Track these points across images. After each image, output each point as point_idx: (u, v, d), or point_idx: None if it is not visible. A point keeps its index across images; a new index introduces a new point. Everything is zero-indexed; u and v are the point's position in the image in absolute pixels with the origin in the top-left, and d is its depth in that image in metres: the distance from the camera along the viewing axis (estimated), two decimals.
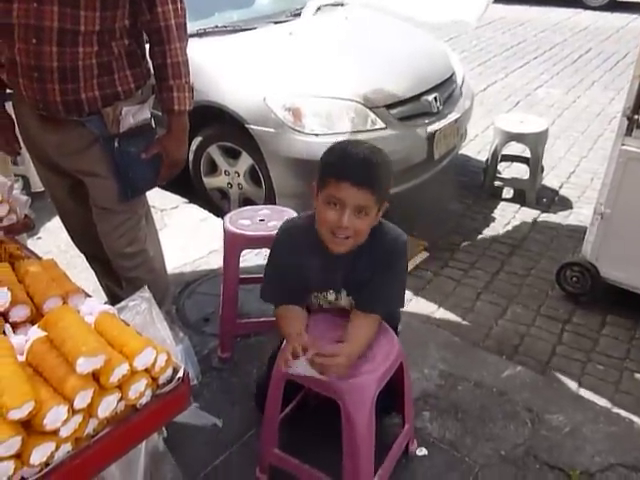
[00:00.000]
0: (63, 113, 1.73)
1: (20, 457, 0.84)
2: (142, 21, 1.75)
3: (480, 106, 4.99)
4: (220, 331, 2.27)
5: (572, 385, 2.30)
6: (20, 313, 1.13)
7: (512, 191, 3.79)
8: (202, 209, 3.30)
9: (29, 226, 1.74)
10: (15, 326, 1.14)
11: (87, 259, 2.22)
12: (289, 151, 2.93)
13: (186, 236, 3.02)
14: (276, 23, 3.58)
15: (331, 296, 1.69)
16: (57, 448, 0.88)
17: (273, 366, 1.63)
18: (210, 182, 3.38)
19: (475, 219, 3.57)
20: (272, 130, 2.93)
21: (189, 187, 3.38)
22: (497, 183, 3.77)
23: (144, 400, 0.99)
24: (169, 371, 1.03)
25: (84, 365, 0.87)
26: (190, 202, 3.36)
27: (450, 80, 3.42)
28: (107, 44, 1.70)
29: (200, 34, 3.24)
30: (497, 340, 2.56)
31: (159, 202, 3.18)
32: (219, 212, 3.19)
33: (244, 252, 2.22)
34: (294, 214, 2.28)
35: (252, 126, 2.97)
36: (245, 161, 3.17)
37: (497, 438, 1.91)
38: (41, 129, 1.82)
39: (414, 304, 2.74)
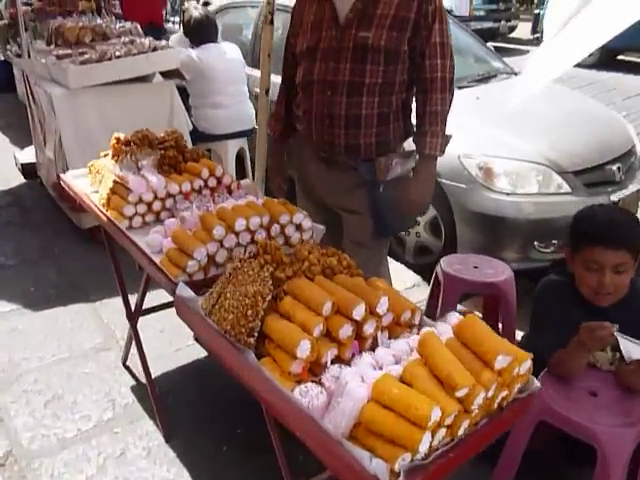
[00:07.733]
0: (344, 155, 2.04)
1: (450, 428, 1.08)
2: (414, 72, 1.98)
3: None
4: None
5: None
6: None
7: None
8: None
9: None
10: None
11: None
12: (478, 206, 3.16)
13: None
14: (460, 88, 3.89)
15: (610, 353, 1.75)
16: (469, 425, 1.10)
17: None
18: None
19: None
20: (464, 186, 3.19)
21: None
22: None
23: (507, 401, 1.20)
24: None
25: (500, 362, 1.10)
26: None
27: (631, 151, 3.54)
28: (387, 96, 1.97)
29: None
30: None
31: None
32: (393, 257, 3.44)
33: None
34: (503, 264, 2.49)
35: (444, 180, 3.23)
36: (429, 212, 3.42)
37: None
38: (317, 168, 2.15)
39: None
